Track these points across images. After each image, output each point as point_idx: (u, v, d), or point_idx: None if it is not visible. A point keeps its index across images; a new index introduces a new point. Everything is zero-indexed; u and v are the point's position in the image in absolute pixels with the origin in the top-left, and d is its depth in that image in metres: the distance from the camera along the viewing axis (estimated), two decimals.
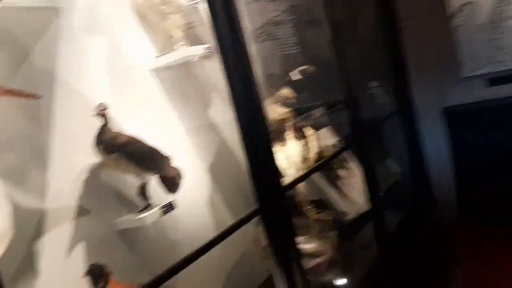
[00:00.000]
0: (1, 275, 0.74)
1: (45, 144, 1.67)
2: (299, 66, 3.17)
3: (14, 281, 1.49)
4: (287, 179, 2.05)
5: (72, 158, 1.76)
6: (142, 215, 1.81)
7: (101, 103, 1.74)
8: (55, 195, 1.67)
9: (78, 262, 1.70)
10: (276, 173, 1.64)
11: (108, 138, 1.72)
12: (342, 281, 2.33)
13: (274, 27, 3.40)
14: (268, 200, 1.57)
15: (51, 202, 1.65)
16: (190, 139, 2.35)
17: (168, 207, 1.89)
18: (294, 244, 1.66)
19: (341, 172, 3.21)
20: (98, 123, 1.72)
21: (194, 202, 2.30)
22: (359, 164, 2.97)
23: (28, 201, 1.58)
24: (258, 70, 2.91)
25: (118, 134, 1.77)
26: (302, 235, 2.46)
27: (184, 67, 2.29)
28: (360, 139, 2.72)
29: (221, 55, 1.46)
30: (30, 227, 1.58)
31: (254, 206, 1.72)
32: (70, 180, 1.74)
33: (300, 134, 2.41)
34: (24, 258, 1.54)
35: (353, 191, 3.11)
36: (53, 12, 1.77)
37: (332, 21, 2.62)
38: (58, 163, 1.70)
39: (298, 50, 3.53)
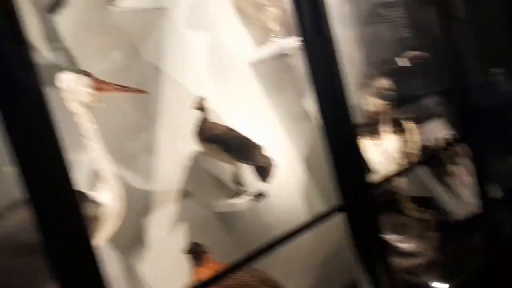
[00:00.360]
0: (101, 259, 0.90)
1: (153, 133, 1.92)
2: (409, 51, 3.02)
3: (127, 251, 1.76)
4: (381, 175, 2.01)
5: (176, 146, 1.98)
6: (236, 201, 1.97)
7: (200, 96, 1.92)
8: (161, 178, 1.92)
9: (180, 239, 1.92)
10: (361, 167, 1.63)
11: (205, 129, 1.90)
12: (440, 285, 2.22)
13: (385, 9, 3.27)
14: (351, 196, 1.57)
15: (158, 185, 1.90)
16: (285, 129, 2.44)
17: (260, 195, 2.02)
18: (380, 242, 1.65)
19: (453, 168, 3.00)
20: (197, 114, 1.91)
21: (288, 190, 2.40)
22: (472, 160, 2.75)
23: (139, 183, 1.84)
24: (362, 56, 2.86)
25: (215, 125, 1.94)
26: (400, 233, 2.40)
27: (280, 58, 2.37)
28: (474, 132, 2.51)
29: (303, 45, 1.49)
30: (141, 205, 1.84)
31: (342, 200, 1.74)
32: (174, 166, 1.97)
33: (399, 128, 2.33)
34: (135, 232, 1.81)
35: (465, 190, 2.89)
36: (159, 12, 1.98)
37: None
38: (164, 150, 1.94)
39: (410, 33, 3.35)
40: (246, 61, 2.33)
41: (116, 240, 1.69)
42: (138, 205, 1.83)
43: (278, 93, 2.43)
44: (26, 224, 0.92)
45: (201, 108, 1.92)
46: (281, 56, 2.35)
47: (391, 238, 2.35)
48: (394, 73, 2.73)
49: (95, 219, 1.39)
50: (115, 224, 1.50)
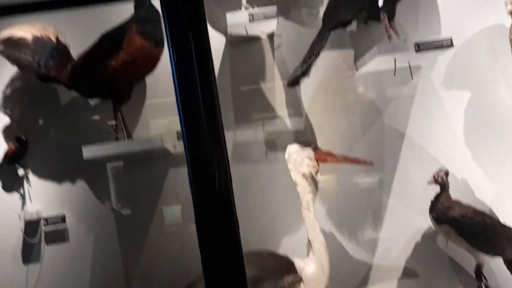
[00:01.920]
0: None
1: (382, 202, 1.92)
2: None
3: None
4: None
5: (407, 218, 1.91)
6: None
7: (441, 169, 1.78)
8: (384, 252, 1.90)
9: None
10: None
11: (441, 208, 1.76)
12: None
13: None
14: None
15: (379, 258, 1.89)
16: None
17: None
18: None
19: None
20: (436, 189, 1.78)
21: None
22: None
23: (358, 253, 1.89)
24: None
25: (455, 205, 1.76)
26: None
27: None
28: None
29: None
30: (357, 278, 1.88)
31: None
32: (401, 240, 1.91)
33: None
34: None
35: None
36: (408, 72, 1.92)
37: None
38: (392, 221, 1.91)
39: None
40: None
41: None
42: (355, 277, 1.87)
43: None
44: None
45: (440, 183, 1.77)
46: None
47: None
48: None
49: (297, 286, 1.54)
50: None
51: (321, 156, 1.66)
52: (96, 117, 1.93)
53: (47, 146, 1.97)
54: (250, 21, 1.70)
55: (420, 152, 1.95)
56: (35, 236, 1.95)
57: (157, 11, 1.66)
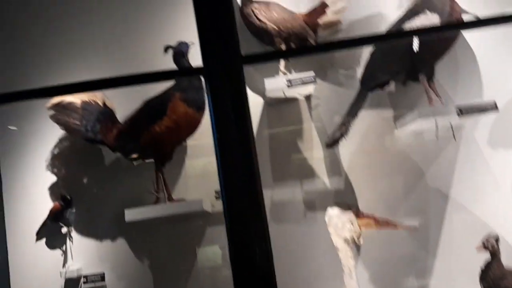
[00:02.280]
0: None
1: (428, 267, 1.84)
2: None
3: None
4: None
5: (455, 285, 1.82)
6: None
7: (490, 234, 1.69)
8: None
9: None
10: None
11: (493, 277, 1.66)
12: None
13: None
14: None
15: None
16: None
17: None
18: None
19: None
20: (486, 255, 1.69)
21: None
22: None
23: None
24: None
25: (508, 274, 1.66)
26: None
27: None
28: None
29: None
30: None
31: None
32: None
33: None
34: None
35: None
36: (451, 132, 1.88)
37: None
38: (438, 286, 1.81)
39: None
40: None
41: None
42: None
43: None
44: None
45: (490, 249, 1.68)
46: None
47: None
48: None
49: None
50: None
51: (363, 221, 1.62)
52: (139, 177, 1.98)
53: (90, 204, 2.03)
54: (288, 86, 1.74)
55: (466, 215, 1.88)
56: None
57: (199, 78, 1.73)
